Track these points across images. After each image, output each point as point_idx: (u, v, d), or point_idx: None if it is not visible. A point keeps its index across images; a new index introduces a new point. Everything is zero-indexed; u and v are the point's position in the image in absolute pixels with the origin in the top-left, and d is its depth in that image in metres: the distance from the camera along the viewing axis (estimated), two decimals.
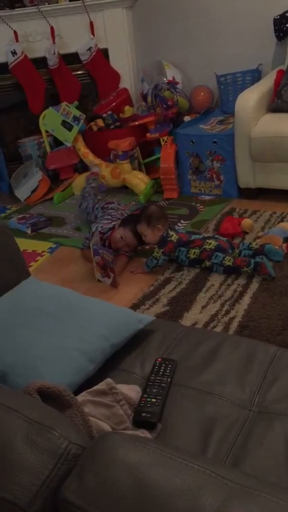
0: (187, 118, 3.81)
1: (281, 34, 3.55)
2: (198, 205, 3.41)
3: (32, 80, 3.95)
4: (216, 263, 2.53)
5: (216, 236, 2.72)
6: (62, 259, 2.98)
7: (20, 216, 3.55)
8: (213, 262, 2.53)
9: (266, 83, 3.39)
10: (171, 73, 3.91)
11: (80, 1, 3.83)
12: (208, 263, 2.56)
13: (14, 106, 4.11)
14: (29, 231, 3.32)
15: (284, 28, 3.52)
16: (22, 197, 3.89)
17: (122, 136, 3.65)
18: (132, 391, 1.25)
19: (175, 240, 2.62)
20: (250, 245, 2.62)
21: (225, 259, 2.50)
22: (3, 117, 4.15)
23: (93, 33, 3.95)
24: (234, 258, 2.51)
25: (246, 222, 2.93)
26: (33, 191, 3.86)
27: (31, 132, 4.15)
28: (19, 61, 3.86)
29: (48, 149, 3.99)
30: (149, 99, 3.83)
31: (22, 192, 3.89)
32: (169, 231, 2.66)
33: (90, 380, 1.29)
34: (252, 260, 2.46)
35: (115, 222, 2.87)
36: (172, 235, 2.64)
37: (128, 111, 3.96)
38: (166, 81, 3.87)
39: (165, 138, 3.58)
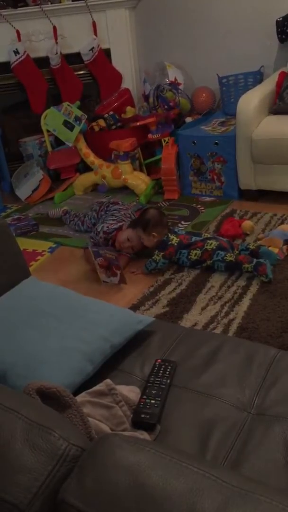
0: (188, 119, 3.81)
1: (284, 36, 3.55)
2: (198, 206, 3.41)
3: (34, 79, 3.95)
4: (217, 260, 2.52)
5: (217, 236, 2.72)
6: (62, 259, 2.98)
7: (16, 217, 3.51)
8: (214, 260, 2.53)
9: (268, 85, 3.40)
10: (173, 74, 3.91)
11: (83, 1, 3.84)
12: (209, 262, 2.55)
13: (16, 106, 4.12)
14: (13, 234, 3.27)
15: (287, 30, 3.52)
16: (23, 197, 3.88)
17: (123, 137, 3.66)
18: (131, 392, 1.25)
19: (175, 244, 2.61)
20: (248, 246, 2.62)
21: (227, 255, 2.50)
22: (4, 116, 4.15)
23: (95, 33, 3.95)
24: (236, 255, 2.51)
25: (247, 223, 2.93)
26: (34, 191, 3.86)
27: (33, 131, 4.15)
28: (21, 60, 3.86)
29: (49, 148, 3.99)
30: (151, 99, 3.83)
31: (23, 192, 3.89)
32: (169, 235, 2.65)
33: (90, 381, 1.29)
34: (255, 259, 2.46)
35: (121, 223, 2.86)
36: (173, 238, 2.62)
37: (129, 111, 3.96)
38: (168, 82, 3.87)
39: (166, 139, 3.58)
